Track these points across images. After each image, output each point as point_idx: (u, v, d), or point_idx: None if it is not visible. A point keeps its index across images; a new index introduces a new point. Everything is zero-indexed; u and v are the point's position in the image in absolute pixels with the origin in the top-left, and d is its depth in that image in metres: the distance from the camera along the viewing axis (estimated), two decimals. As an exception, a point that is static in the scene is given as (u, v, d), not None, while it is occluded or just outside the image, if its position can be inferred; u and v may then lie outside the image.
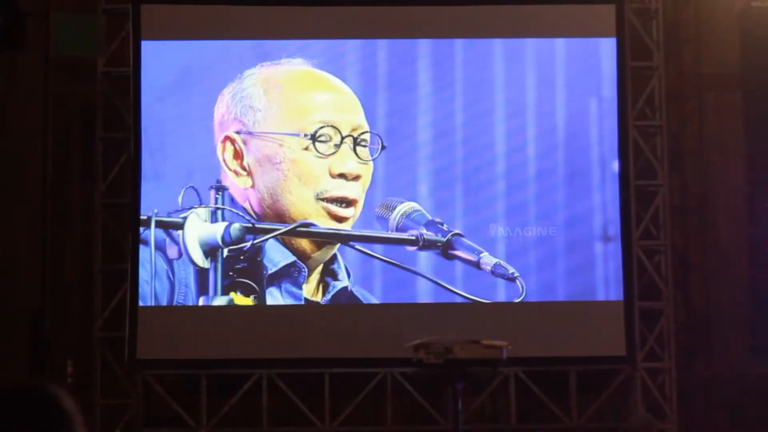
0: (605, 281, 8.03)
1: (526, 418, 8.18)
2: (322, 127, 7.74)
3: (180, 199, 7.76)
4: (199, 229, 7.69)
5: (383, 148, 7.85)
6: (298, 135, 7.76)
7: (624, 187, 8.06)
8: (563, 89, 8.12)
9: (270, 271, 7.75)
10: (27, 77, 8.54)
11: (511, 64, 8.14)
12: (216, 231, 7.66)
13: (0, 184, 8.46)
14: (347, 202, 7.74)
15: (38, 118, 8.48)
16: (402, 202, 7.81)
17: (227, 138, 7.81)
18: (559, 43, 8.16)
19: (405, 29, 8.16)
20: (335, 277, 7.83)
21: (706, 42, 8.73)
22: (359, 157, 7.79)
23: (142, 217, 7.85)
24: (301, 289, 7.77)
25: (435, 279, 7.81)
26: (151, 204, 7.85)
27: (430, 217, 7.78)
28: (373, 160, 7.84)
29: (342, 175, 7.73)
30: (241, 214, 7.73)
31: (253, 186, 7.76)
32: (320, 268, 7.83)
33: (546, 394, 8.11)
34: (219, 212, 7.73)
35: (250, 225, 7.69)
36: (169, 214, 7.76)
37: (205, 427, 8.05)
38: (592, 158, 8.12)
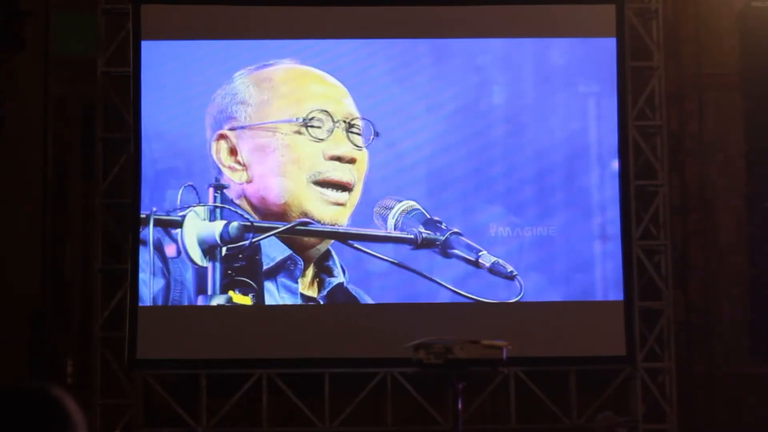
0: (605, 281, 8.03)
1: (526, 418, 8.17)
2: (313, 111, 7.76)
3: (178, 197, 7.76)
4: (198, 228, 7.69)
5: (376, 134, 7.84)
6: (291, 120, 7.77)
7: (624, 187, 8.06)
8: (563, 89, 8.11)
9: (266, 267, 7.75)
10: (27, 77, 8.53)
11: (511, 64, 8.14)
12: (214, 229, 7.66)
13: (0, 184, 8.46)
14: (342, 187, 7.73)
15: (38, 118, 8.48)
16: (400, 201, 7.80)
17: (221, 136, 7.81)
18: (559, 43, 8.15)
19: (404, 29, 8.16)
20: (330, 274, 7.83)
21: (706, 42, 8.73)
22: (353, 144, 7.80)
23: (141, 216, 7.86)
24: (296, 283, 7.76)
25: (433, 278, 7.81)
26: (151, 204, 7.85)
27: (429, 216, 7.78)
28: (367, 146, 7.83)
29: (336, 158, 7.74)
30: (239, 212, 7.73)
31: (249, 180, 7.77)
32: (315, 262, 7.84)
33: (546, 394, 8.11)
34: (218, 211, 7.74)
35: (249, 223, 7.69)
36: (167, 213, 7.77)
37: (205, 427, 8.05)
38: (591, 158, 8.11)
